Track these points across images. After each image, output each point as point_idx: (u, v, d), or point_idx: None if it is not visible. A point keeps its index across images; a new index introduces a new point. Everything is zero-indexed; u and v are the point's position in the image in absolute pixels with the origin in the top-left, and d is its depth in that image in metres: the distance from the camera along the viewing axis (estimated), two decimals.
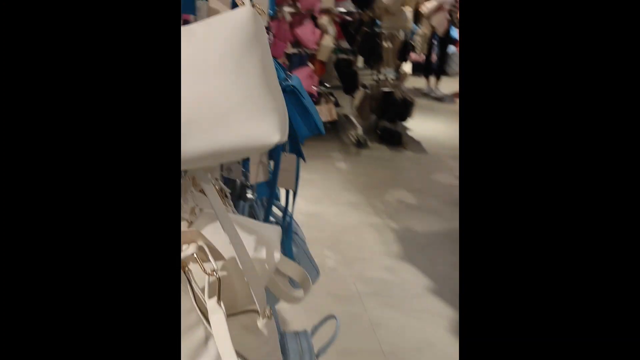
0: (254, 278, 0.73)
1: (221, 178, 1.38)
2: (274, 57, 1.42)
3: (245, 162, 1.30)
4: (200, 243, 0.68)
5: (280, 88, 0.62)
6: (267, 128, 0.57)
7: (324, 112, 4.35)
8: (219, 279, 0.65)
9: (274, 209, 1.76)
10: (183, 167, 0.60)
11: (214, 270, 0.65)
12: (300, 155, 1.27)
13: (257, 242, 0.78)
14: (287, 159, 1.25)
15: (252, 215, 1.53)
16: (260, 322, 0.73)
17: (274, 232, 0.83)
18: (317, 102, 4.36)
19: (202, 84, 0.56)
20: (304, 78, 3.78)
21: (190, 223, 0.79)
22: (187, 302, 0.66)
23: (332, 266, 2.70)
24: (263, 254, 0.78)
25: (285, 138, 0.59)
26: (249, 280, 0.72)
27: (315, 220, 3.17)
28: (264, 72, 0.57)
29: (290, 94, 1.17)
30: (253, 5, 0.61)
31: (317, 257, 1.66)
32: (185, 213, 0.80)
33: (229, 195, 1.02)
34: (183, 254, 0.66)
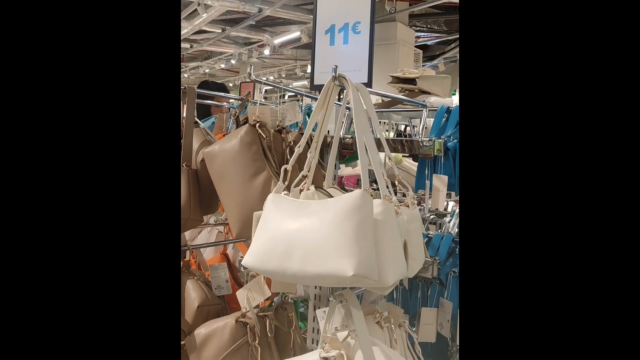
0: None
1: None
2: None
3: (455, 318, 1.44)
4: (342, 352, 0.91)
5: (381, 247, 0.88)
6: (344, 265, 0.83)
7: None
8: None
9: None
10: (302, 282, 0.88)
11: None
12: None
13: None
14: None
15: None
16: None
17: None
18: None
19: (319, 230, 0.88)
20: None
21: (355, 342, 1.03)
22: None
23: None
24: None
25: (363, 275, 0.82)
26: None
27: None
28: (357, 231, 0.85)
29: None
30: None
31: None
32: (353, 333, 1.04)
33: (415, 339, 1.20)
34: (326, 354, 0.90)
